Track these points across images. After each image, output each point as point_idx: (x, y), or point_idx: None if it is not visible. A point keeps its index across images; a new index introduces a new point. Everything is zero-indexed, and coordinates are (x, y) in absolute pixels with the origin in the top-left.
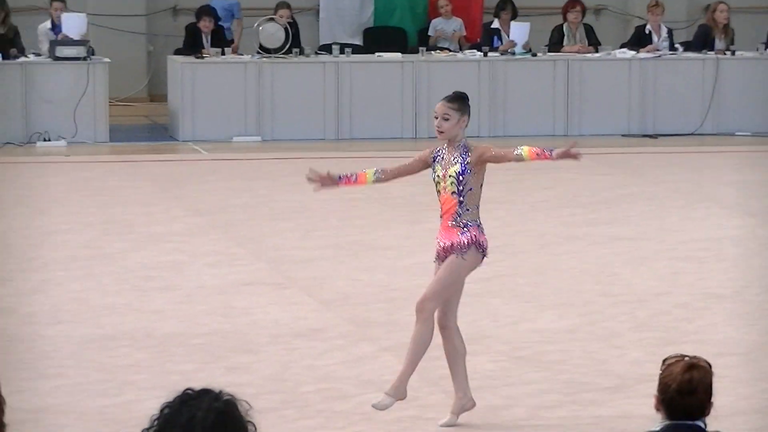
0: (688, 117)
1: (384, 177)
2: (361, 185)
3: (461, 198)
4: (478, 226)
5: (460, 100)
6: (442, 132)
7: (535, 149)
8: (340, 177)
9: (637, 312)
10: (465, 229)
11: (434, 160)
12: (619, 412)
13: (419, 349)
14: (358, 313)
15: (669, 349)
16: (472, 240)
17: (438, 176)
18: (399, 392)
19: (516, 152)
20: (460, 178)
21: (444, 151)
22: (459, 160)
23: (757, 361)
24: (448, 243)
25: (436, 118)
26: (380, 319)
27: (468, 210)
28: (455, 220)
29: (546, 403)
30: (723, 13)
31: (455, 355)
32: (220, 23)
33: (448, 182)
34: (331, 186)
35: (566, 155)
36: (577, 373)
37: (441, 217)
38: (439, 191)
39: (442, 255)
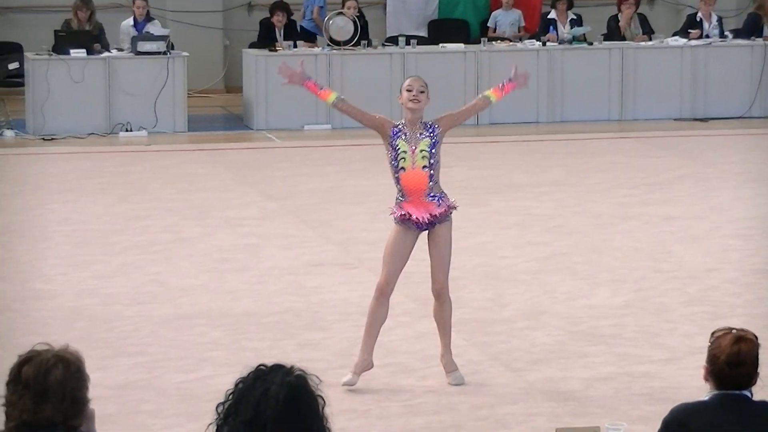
0: (737, 101)
1: (342, 107)
2: (321, 99)
3: (432, 171)
4: (445, 194)
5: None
6: (419, 102)
7: (495, 89)
8: (309, 77)
9: (687, 288)
10: (440, 200)
11: (395, 136)
12: (671, 383)
13: (450, 323)
14: (421, 292)
15: (718, 323)
16: (447, 209)
17: (403, 152)
18: (449, 365)
19: (481, 100)
20: (432, 151)
21: (405, 129)
22: (427, 135)
23: None
24: (434, 212)
25: (411, 91)
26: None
27: (436, 182)
28: (428, 195)
29: (600, 375)
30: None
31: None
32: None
33: (419, 157)
34: (299, 83)
35: (517, 78)
36: (630, 346)
37: (406, 195)
38: (403, 167)
39: (423, 226)
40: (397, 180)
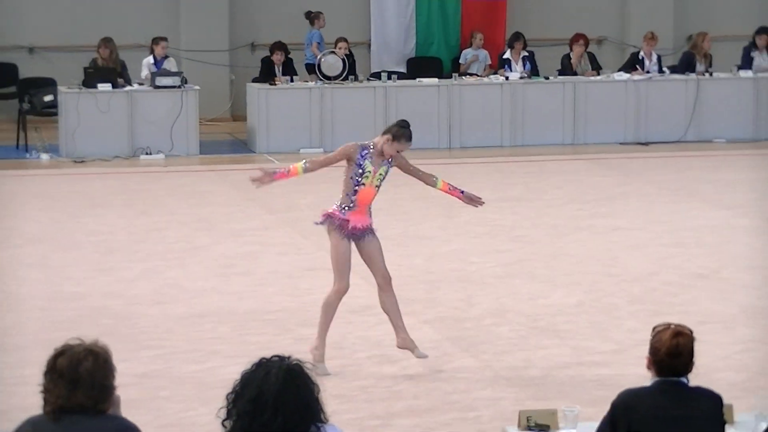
0: (673, 127)
1: (311, 167)
2: (294, 177)
3: (377, 191)
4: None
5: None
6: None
7: (446, 184)
8: (275, 172)
9: (632, 289)
10: (370, 214)
11: (362, 157)
12: (618, 371)
13: (398, 308)
14: (403, 293)
15: (659, 319)
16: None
17: (368, 171)
18: (411, 343)
19: (431, 179)
20: (385, 176)
21: (372, 153)
22: (386, 164)
23: (732, 328)
24: (364, 225)
25: (400, 152)
26: (420, 296)
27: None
28: (369, 208)
29: (557, 364)
30: (707, 42)
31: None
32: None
33: (377, 178)
34: (269, 182)
35: (471, 200)
36: (583, 339)
37: (356, 203)
38: (363, 183)
39: (357, 234)
40: (354, 192)
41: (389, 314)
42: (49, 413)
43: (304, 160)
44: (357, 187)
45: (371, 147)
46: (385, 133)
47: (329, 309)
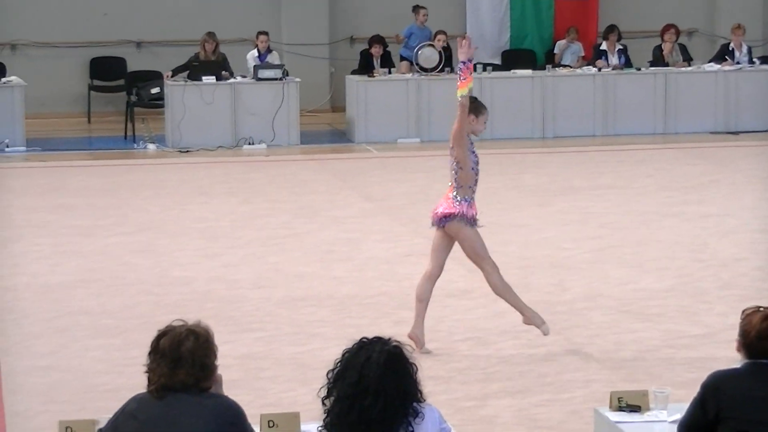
0: (764, 117)
1: (463, 102)
2: (460, 86)
3: None
4: None
5: None
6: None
7: (457, 83)
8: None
9: (721, 274)
10: None
11: (471, 145)
12: (707, 354)
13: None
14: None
15: (748, 304)
16: None
17: (478, 160)
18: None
19: (458, 102)
20: None
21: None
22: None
23: None
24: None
25: (485, 123)
26: (515, 282)
27: None
28: None
29: (648, 347)
30: None
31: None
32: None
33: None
34: (466, 57)
35: (464, 53)
36: (673, 323)
37: (474, 196)
38: (478, 171)
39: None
40: (476, 182)
41: (420, 300)
42: (153, 391)
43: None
44: (477, 177)
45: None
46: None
47: (505, 288)
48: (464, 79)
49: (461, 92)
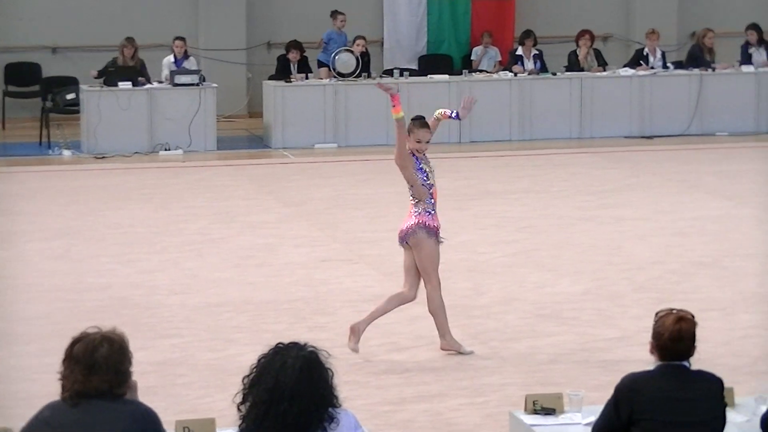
0: (677, 121)
1: (401, 124)
2: (393, 112)
3: None
4: None
5: None
6: (424, 151)
7: (444, 113)
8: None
9: (636, 277)
10: None
11: (418, 162)
12: (622, 356)
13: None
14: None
15: (662, 306)
16: None
17: (430, 173)
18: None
19: (434, 120)
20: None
21: (419, 156)
22: (427, 161)
23: (732, 315)
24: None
25: (420, 142)
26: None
27: None
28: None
29: (563, 350)
30: (710, 39)
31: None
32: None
33: (434, 177)
34: (393, 92)
35: (464, 109)
36: (588, 326)
37: (434, 207)
38: (432, 184)
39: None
40: (431, 195)
41: (386, 304)
42: (67, 398)
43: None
44: (431, 190)
45: (415, 152)
46: None
47: (439, 307)
48: (394, 105)
49: (396, 116)
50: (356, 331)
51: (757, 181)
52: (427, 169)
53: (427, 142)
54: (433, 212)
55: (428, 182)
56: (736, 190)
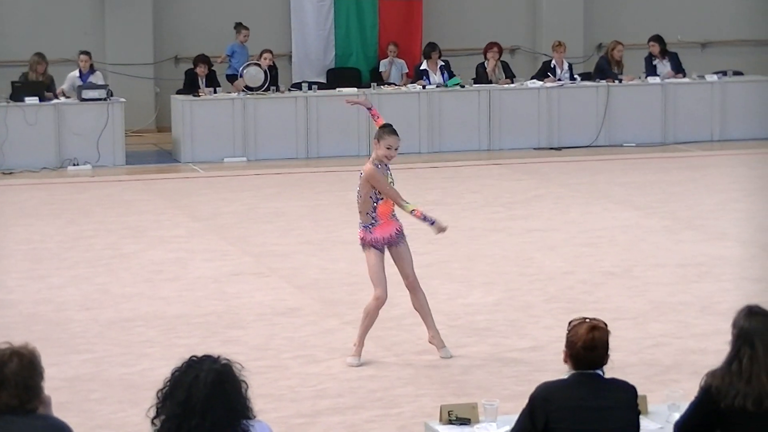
0: (585, 132)
1: (403, 199)
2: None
3: None
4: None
5: None
6: (392, 159)
7: (418, 211)
8: (431, 221)
9: (548, 287)
10: (397, 219)
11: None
12: (535, 367)
13: (429, 307)
14: (326, 295)
15: (574, 316)
16: (401, 226)
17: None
18: (439, 342)
19: (402, 202)
20: (392, 184)
21: (383, 166)
22: (388, 171)
23: (643, 324)
24: (393, 233)
25: (390, 149)
26: (344, 299)
27: None
28: (392, 215)
29: (476, 362)
30: (619, 52)
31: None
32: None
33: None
34: (441, 227)
35: (436, 228)
36: (501, 337)
37: (378, 218)
38: (381, 199)
39: (391, 241)
40: (374, 209)
41: (420, 313)
42: None
43: (403, 204)
44: (376, 204)
45: (377, 162)
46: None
47: (370, 316)
48: (378, 117)
49: (408, 208)
50: (434, 340)
51: (664, 191)
52: (389, 180)
53: (396, 149)
54: (373, 225)
55: (379, 196)
56: (644, 200)
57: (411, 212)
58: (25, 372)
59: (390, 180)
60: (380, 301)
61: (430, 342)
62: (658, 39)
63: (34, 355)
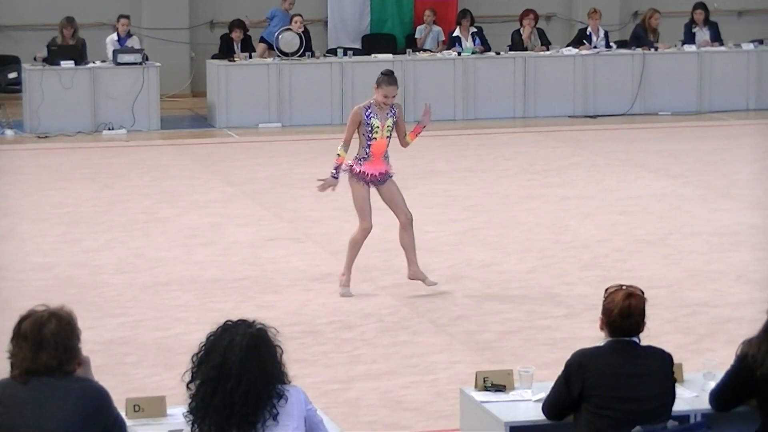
0: (620, 101)
1: (346, 145)
2: (343, 161)
3: (389, 140)
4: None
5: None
6: (389, 104)
7: (411, 133)
8: (334, 176)
9: (582, 255)
10: (388, 162)
11: (368, 117)
12: (570, 334)
13: (414, 243)
14: (360, 261)
15: (608, 284)
16: (390, 168)
17: (377, 127)
18: (421, 274)
19: (405, 137)
20: (393, 126)
21: (374, 109)
22: (391, 115)
23: (678, 292)
24: (383, 170)
25: (387, 97)
26: (378, 264)
27: (387, 148)
28: (385, 156)
29: (511, 328)
30: (656, 20)
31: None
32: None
33: (386, 130)
34: (334, 183)
35: (423, 118)
36: (536, 304)
37: (370, 155)
38: (375, 138)
39: (377, 180)
40: (369, 146)
41: (405, 249)
42: (17, 376)
43: (339, 146)
44: (370, 142)
45: (372, 104)
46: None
47: (355, 245)
48: (415, 133)
49: (408, 139)
50: (416, 277)
51: (699, 159)
52: (377, 125)
53: (393, 97)
54: (362, 159)
55: (371, 135)
56: (679, 169)
57: (337, 156)
58: (64, 333)
59: (379, 125)
60: (366, 231)
61: (410, 278)
62: (703, 6)
63: (72, 317)
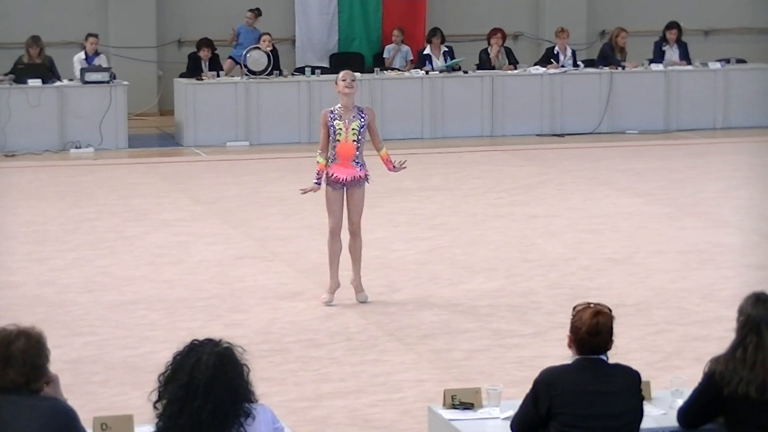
0: (588, 119)
1: (323, 152)
2: (323, 169)
3: (358, 144)
4: (365, 165)
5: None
6: (352, 89)
7: (387, 156)
8: (316, 182)
9: (549, 274)
10: (361, 167)
11: (332, 119)
12: (538, 352)
13: (360, 255)
14: (328, 279)
15: (576, 303)
16: (366, 172)
17: (340, 129)
18: (359, 287)
19: (380, 145)
20: (360, 130)
21: (339, 112)
22: (357, 118)
23: (645, 310)
24: (355, 175)
25: (345, 80)
26: (345, 283)
27: (360, 153)
28: (353, 161)
29: (479, 346)
30: (623, 39)
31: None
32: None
33: (351, 133)
34: (317, 188)
35: (396, 169)
36: (503, 322)
37: (336, 157)
38: (338, 140)
39: (347, 183)
40: (333, 148)
41: (352, 256)
42: None
43: (317, 154)
44: (335, 143)
45: (338, 108)
46: None
47: (328, 250)
48: (386, 164)
49: (382, 155)
50: (355, 283)
51: (665, 178)
52: (340, 127)
53: (351, 80)
54: (332, 161)
55: (335, 137)
56: (646, 187)
57: (317, 162)
58: (33, 351)
59: (353, 127)
60: (332, 232)
61: (351, 283)
62: (677, 26)
63: (42, 337)
